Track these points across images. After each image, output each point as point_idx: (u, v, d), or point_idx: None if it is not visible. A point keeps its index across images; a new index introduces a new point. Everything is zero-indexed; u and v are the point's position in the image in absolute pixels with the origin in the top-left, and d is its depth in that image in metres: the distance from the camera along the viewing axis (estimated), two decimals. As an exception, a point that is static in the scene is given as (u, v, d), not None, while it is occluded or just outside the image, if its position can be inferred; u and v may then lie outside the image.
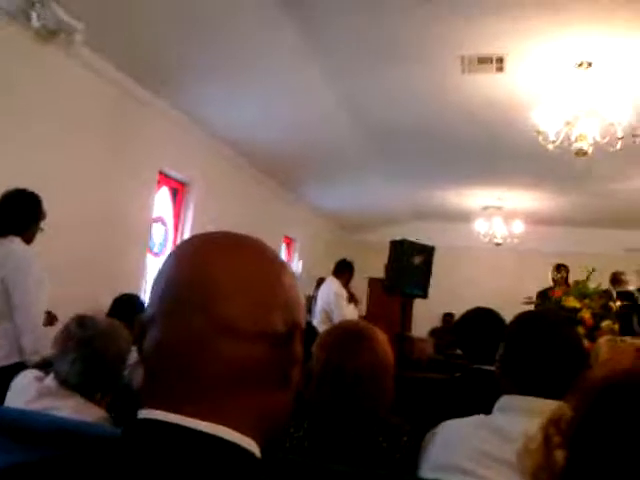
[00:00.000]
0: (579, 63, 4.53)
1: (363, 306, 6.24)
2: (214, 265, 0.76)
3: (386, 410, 1.60)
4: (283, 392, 0.78)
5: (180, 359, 0.73)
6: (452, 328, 3.40)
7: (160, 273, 0.79)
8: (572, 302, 4.74)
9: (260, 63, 4.68)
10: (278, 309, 0.77)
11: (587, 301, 4.70)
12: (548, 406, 1.37)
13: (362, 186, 8.63)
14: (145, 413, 0.72)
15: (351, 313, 5.83)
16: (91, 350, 1.83)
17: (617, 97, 4.71)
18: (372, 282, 9.82)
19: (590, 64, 4.52)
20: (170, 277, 0.77)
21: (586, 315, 4.49)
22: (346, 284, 6.01)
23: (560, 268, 7.42)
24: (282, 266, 0.81)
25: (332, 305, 5.91)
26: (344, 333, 1.67)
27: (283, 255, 9.08)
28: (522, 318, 1.61)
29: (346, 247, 9.59)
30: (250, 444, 0.73)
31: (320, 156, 7.05)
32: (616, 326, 4.33)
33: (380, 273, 6.92)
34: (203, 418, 0.71)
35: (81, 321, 1.89)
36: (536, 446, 0.66)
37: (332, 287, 6.02)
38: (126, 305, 3.16)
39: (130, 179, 4.95)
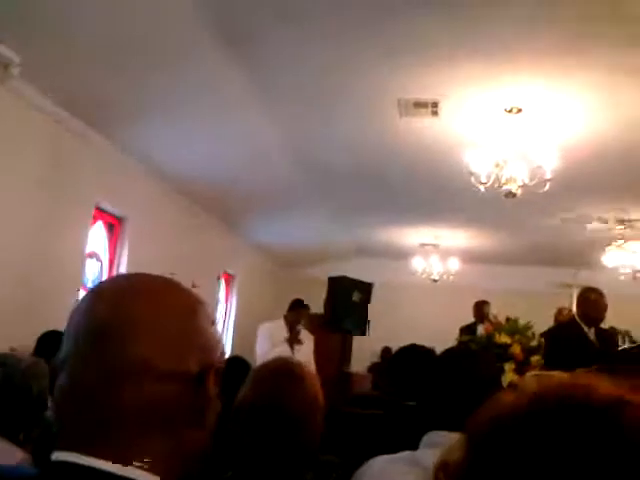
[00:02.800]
0: (509, 109, 4.77)
1: (309, 346, 6.11)
2: (131, 307, 0.77)
3: (315, 447, 1.62)
4: (197, 431, 0.78)
5: (91, 400, 0.73)
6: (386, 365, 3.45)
7: (75, 313, 0.79)
8: (503, 338, 4.89)
9: (202, 101, 4.71)
10: (192, 350, 0.78)
11: (517, 337, 4.86)
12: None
13: (303, 223, 8.70)
14: (58, 455, 0.72)
15: (281, 354, 5.60)
16: (12, 388, 1.78)
17: (544, 141, 4.97)
18: (313, 318, 9.82)
19: (520, 110, 4.76)
20: (86, 316, 0.77)
21: (516, 350, 4.64)
22: (292, 324, 5.93)
23: (484, 304, 7.60)
24: (198, 308, 0.82)
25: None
26: (272, 371, 1.68)
27: (221, 291, 9.01)
28: (444, 355, 1.67)
29: (287, 283, 9.61)
30: None
31: (262, 193, 7.10)
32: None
33: (321, 309, 6.96)
34: (115, 459, 0.71)
35: (2, 360, 1.84)
36: None
37: (263, 326, 5.96)
38: (50, 342, 3.06)
39: (64, 214, 4.84)
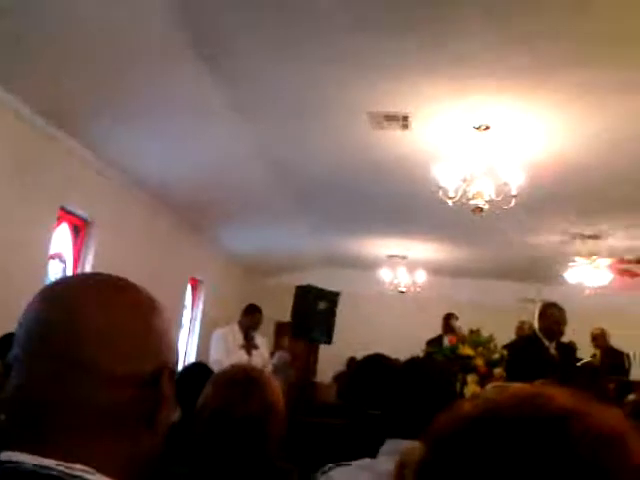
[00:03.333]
0: (477, 126, 4.86)
1: (264, 351, 6.11)
2: (82, 308, 0.76)
3: (273, 453, 1.63)
4: (150, 434, 0.78)
5: (41, 402, 0.73)
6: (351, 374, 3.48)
7: (26, 313, 0.78)
8: (467, 350, 4.96)
9: (176, 106, 4.70)
10: (146, 351, 0.77)
11: (480, 349, 4.93)
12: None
13: (272, 231, 8.70)
14: (5, 455, 0.71)
15: (239, 360, 5.63)
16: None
17: (511, 159, 5.07)
18: (280, 326, 9.82)
19: (488, 127, 4.86)
20: (37, 317, 0.76)
21: (479, 362, 4.71)
22: (247, 329, 5.91)
23: (448, 317, 7.72)
24: (154, 310, 0.82)
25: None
26: (232, 377, 1.68)
27: (188, 297, 8.94)
28: (406, 364, 1.70)
29: (254, 290, 9.59)
30: None
31: (232, 199, 7.08)
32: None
33: (288, 317, 6.95)
34: (65, 460, 0.70)
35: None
36: None
37: (217, 332, 5.94)
38: (6, 345, 3.01)
39: (27, 213, 4.75)
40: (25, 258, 4.77)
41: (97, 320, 0.75)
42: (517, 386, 0.72)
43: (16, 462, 0.70)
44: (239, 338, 5.80)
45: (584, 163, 5.40)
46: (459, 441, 0.60)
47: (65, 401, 0.72)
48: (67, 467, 0.70)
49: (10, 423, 0.74)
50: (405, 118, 4.88)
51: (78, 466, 0.71)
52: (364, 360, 2.66)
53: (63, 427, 0.72)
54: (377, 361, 2.58)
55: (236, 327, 5.86)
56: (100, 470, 0.72)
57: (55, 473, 0.69)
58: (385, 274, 9.88)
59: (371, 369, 2.52)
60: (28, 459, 0.70)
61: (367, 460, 1.59)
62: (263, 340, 6.14)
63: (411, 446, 1.00)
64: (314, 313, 6.47)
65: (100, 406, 0.73)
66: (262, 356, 5.93)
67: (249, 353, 5.76)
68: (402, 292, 9.91)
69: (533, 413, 0.59)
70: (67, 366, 0.72)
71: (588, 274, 7.77)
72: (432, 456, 0.62)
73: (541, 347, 4.52)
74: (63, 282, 0.84)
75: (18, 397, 0.74)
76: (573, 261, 7.82)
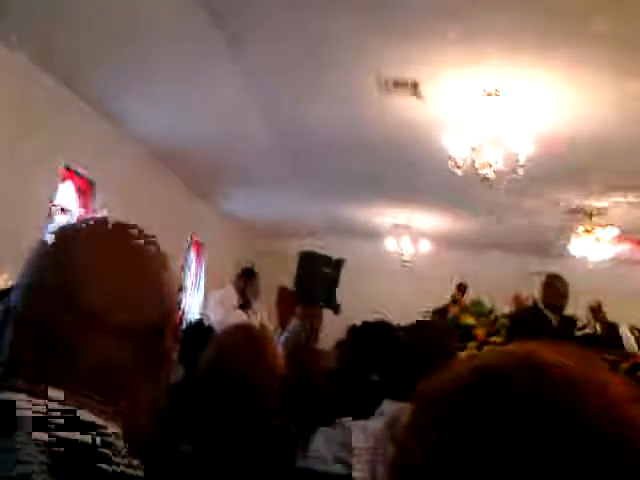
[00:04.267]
0: (487, 92, 4.77)
1: (267, 314, 6.16)
2: (81, 255, 0.74)
3: (272, 410, 1.64)
4: (152, 385, 0.77)
5: (44, 344, 0.72)
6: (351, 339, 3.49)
7: (30, 258, 0.76)
8: (468, 319, 4.99)
9: (180, 63, 4.63)
10: (149, 301, 0.76)
11: (482, 320, 4.95)
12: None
13: (278, 196, 8.67)
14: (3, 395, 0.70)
15: (238, 320, 5.72)
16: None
17: (520, 126, 5.00)
18: (282, 292, 9.83)
19: (497, 92, 4.75)
20: (36, 264, 0.75)
21: (480, 332, 4.72)
22: (242, 291, 5.94)
23: (460, 287, 7.79)
24: (161, 262, 0.80)
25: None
26: (232, 336, 1.69)
27: (191, 258, 8.95)
28: (406, 329, 1.70)
29: (257, 255, 9.57)
30: (112, 429, 0.71)
31: (237, 163, 7.03)
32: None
33: (291, 283, 6.94)
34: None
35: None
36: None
37: (213, 293, 5.99)
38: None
39: (32, 169, 4.75)
40: (28, 211, 4.77)
41: (99, 268, 0.73)
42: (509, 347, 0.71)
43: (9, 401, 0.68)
44: (234, 300, 5.84)
45: (593, 134, 5.33)
46: (444, 397, 0.61)
47: (69, 353, 0.71)
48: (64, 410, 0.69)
49: (10, 363, 0.73)
50: (415, 85, 4.80)
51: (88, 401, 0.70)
52: (365, 325, 2.67)
53: (69, 379, 0.71)
54: (378, 325, 2.58)
55: (231, 288, 5.87)
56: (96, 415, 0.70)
57: (51, 414, 0.67)
58: (389, 244, 9.86)
59: (372, 333, 2.52)
60: (24, 401, 0.68)
61: (361, 421, 1.61)
62: (262, 308, 6.17)
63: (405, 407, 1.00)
64: (317, 279, 6.47)
65: (103, 358, 0.72)
66: (261, 319, 5.96)
67: (247, 313, 5.82)
68: (405, 262, 9.91)
69: (517, 363, 0.61)
70: (68, 317, 0.71)
71: (592, 247, 7.73)
72: (420, 413, 0.62)
73: (544, 319, 4.52)
74: (71, 227, 0.80)
75: (23, 344, 0.72)
76: (577, 234, 7.78)
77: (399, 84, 4.83)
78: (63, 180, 5.32)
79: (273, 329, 6.36)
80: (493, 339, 4.63)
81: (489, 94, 4.76)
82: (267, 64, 4.72)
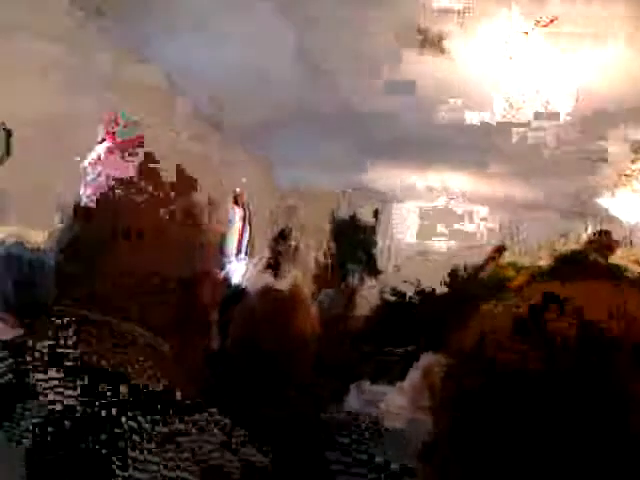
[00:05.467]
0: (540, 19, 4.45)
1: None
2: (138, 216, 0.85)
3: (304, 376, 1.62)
4: (199, 338, 0.82)
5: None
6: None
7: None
8: (509, 272, 4.88)
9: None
10: (191, 257, 0.81)
11: (522, 271, 4.83)
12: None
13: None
14: None
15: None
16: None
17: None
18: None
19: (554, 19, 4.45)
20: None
21: (520, 279, 4.59)
22: (277, 254, 5.92)
23: (499, 249, 7.58)
24: (203, 218, 0.87)
25: None
26: (259, 303, 1.66)
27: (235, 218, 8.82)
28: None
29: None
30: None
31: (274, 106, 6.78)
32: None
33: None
34: None
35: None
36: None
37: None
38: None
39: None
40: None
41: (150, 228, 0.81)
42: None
43: None
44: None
45: None
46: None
47: (121, 307, 0.78)
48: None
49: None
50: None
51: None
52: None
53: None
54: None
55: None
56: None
57: None
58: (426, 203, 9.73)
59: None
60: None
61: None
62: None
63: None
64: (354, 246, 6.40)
65: (154, 311, 0.78)
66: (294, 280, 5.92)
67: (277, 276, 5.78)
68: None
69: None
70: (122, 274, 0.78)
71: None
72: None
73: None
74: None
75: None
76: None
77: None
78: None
79: (308, 291, 6.33)
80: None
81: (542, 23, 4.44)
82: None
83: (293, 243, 5.78)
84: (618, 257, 4.66)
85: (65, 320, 0.71)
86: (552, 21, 4.34)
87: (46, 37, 4.43)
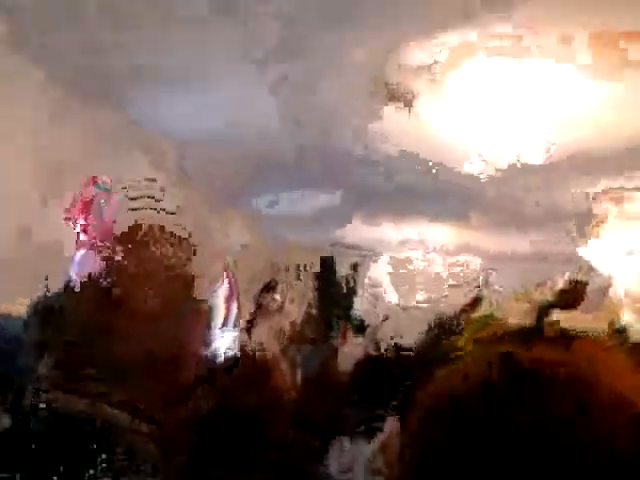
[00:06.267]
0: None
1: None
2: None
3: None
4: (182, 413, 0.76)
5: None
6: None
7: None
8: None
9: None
10: (180, 334, 0.76)
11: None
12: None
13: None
14: None
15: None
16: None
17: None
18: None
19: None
20: None
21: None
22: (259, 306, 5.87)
23: (473, 300, 7.63)
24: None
25: None
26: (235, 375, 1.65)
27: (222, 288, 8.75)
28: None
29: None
30: None
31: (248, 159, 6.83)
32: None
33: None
34: None
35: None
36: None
37: None
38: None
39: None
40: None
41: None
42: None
43: None
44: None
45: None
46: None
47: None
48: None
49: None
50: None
51: None
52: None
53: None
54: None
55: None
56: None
57: None
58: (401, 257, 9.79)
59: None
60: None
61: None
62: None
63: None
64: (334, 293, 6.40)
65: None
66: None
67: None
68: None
69: None
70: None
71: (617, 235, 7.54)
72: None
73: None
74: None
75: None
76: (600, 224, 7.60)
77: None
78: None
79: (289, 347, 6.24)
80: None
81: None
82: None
83: (278, 297, 5.73)
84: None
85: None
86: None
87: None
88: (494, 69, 4.52)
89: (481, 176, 5.01)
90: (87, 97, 4.70)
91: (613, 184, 7.05)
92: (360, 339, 7.75)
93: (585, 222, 7.85)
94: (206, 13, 3.74)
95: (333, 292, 6.06)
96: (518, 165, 4.80)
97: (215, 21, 3.86)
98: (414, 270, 9.89)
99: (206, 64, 4.65)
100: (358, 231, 9.69)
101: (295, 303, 5.71)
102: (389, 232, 9.53)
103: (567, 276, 7.40)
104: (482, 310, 6.94)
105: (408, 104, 4.82)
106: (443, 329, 6.49)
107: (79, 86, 4.58)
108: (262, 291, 5.73)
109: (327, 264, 5.95)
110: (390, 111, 5.01)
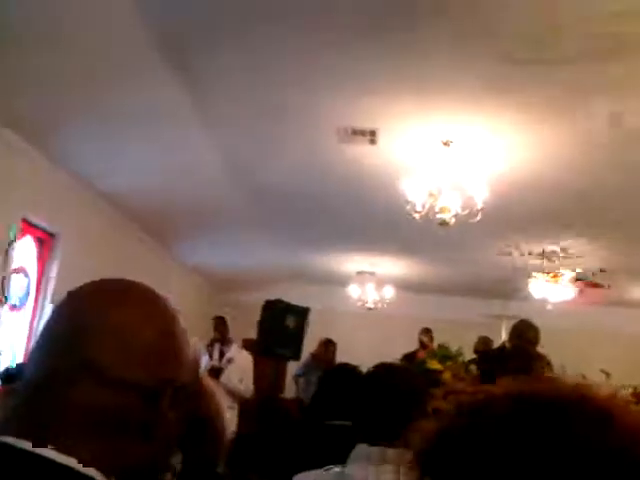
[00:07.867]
0: (444, 141, 4.90)
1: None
2: (93, 310, 0.78)
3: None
4: (143, 446, 0.76)
5: (39, 395, 0.74)
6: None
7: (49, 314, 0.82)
8: (435, 364, 4.97)
9: (141, 117, 4.65)
10: (149, 363, 0.76)
11: (449, 363, 4.94)
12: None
13: (239, 246, 8.65)
14: (3, 438, 0.71)
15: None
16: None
17: (475, 173, 5.14)
18: (246, 343, 9.71)
19: (452, 142, 4.90)
20: (52, 317, 0.80)
21: (447, 376, 4.71)
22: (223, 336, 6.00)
23: (427, 331, 7.81)
24: (168, 318, 0.81)
25: None
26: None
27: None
28: (372, 371, 1.69)
29: (221, 306, 9.49)
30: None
31: (199, 212, 7.02)
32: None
33: (255, 334, 6.88)
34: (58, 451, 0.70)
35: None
36: None
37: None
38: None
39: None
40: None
41: (106, 323, 0.76)
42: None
43: (8, 444, 0.70)
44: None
45: (544, 180, 5.52)
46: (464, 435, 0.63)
47: (59, 398, 0.73)
48: (60, 456, 0.70)
49: (13, 414, 0.75)
50: (373, 133, 4.91)
51: (71, 458, 0.70)
52: (330, 371, 2.65)
53: (56, 423, 0.72)
54: (342, 371, 2.57)
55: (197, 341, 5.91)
56: (87, 466, 0.71)
57: (48, 456, 0.69)
58: (354, 290, 9.89)
59: (337, 378, 2.51)
60: (19, 443, 0.70)
61: (337, 467, 1.58)
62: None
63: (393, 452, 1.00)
64: (282, 329, 6.42)
65: (92, 407, 0.73)
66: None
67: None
68: (370, 309, 9.95)
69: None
70: (71, 364, 0.73)
71: (552, 289, 7.89)
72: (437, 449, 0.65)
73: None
74: (90, 284, 0.84)
75: (22, 389, 0.76)
76: (536, 277, 7.94)
77: (357, 132, 4.93)
78: (22, 234, 5.21)
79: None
80: (461, 385, 4.62)
81: (445, 143, 4.90)
82: (230, 115, 4.78)
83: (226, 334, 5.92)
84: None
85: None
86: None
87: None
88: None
89: (433, 211, 5.14)
90: None
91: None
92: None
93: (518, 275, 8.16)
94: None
95: (278, 335, 6.09)
96: (462, 207, 4.96)
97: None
98: (364, 303, 9.99)
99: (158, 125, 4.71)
100: (311, 264, 9.81)
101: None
102: (341, 265, 9.66)
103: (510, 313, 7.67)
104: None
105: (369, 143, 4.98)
106: (404, 359, 6.60)
107: None
108: (220, 322, 5.84)
109: (271, 307, 5.98)
110: (345, 150, 5.13)
